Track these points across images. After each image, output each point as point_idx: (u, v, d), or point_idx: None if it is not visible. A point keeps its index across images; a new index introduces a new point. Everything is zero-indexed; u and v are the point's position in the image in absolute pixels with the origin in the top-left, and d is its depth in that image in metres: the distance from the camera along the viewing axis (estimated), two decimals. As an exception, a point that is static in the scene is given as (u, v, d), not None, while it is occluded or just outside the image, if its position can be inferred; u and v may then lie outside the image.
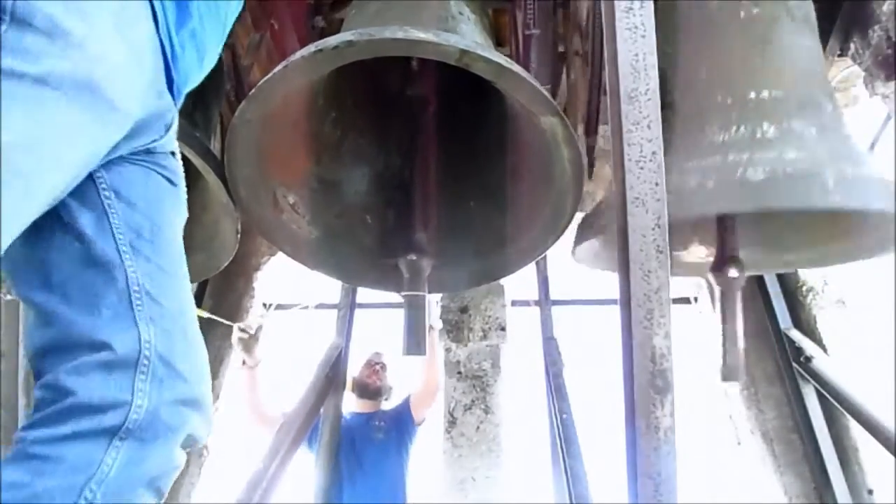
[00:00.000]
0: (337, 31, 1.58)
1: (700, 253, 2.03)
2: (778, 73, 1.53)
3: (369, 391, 3.15)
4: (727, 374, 1.69)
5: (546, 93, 1.40)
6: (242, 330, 2.81)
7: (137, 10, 0.87)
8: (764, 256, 1.99)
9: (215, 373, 3.53)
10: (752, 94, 1.50)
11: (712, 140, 1.47)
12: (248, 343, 2.83)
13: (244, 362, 2.90)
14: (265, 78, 1.33)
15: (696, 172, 1.41)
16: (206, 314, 3.10)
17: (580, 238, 1.73)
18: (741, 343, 1.71)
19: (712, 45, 1.60)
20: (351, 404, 3.12)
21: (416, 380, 3.17)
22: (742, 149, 1.42)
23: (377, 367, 3.21)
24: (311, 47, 1.28)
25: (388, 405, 3.24)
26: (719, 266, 1.74)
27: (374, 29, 1.30)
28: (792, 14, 1.59)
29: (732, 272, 1.72)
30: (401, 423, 3.12)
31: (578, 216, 1.69)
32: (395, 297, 1.77)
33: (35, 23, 0.72)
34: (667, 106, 1.46)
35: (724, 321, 1.72)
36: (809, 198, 1.34)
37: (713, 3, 1.63)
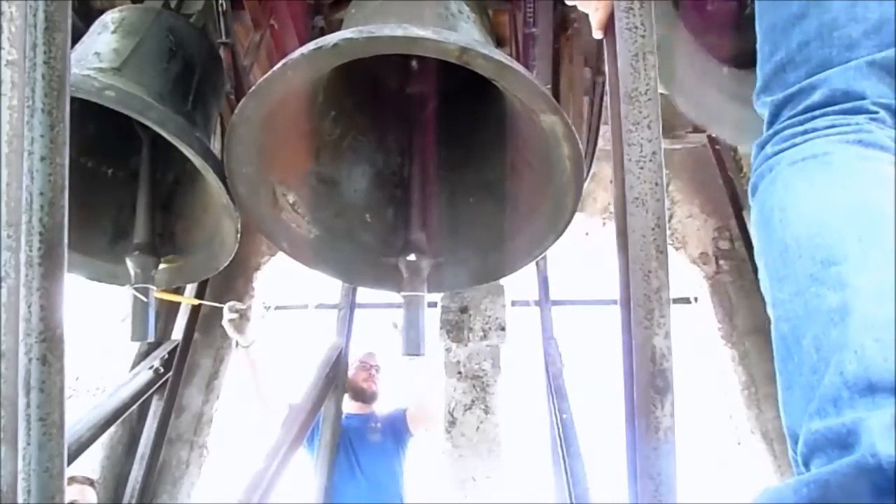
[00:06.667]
0: (337, 31, 1.57)
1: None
2: None
3: (365, 396, 3.15)
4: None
5: (546, 91, 1.40)
6: (234, 311, 2.79)
7: None
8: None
9: (215, 373, 3.55)
10: None
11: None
12: (239, 323, 2.81)
13: (237, 344, 2.90)
14: (265, 76, 1.33)
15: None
16: (197, 301, 3.09)
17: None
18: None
19: None
20: (347, 405, 3.12)
21: (413, 401, 3.15)
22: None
23: (372, 370, 3.21)
24: (311, 45, 1.27)
25: (384, 406, 3.24)
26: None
27: (374, 26, 1.29)
28: None
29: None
30: (396, 428, 3.11)
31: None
32: (395, 297, 1.77)
33: None
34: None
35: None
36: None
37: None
